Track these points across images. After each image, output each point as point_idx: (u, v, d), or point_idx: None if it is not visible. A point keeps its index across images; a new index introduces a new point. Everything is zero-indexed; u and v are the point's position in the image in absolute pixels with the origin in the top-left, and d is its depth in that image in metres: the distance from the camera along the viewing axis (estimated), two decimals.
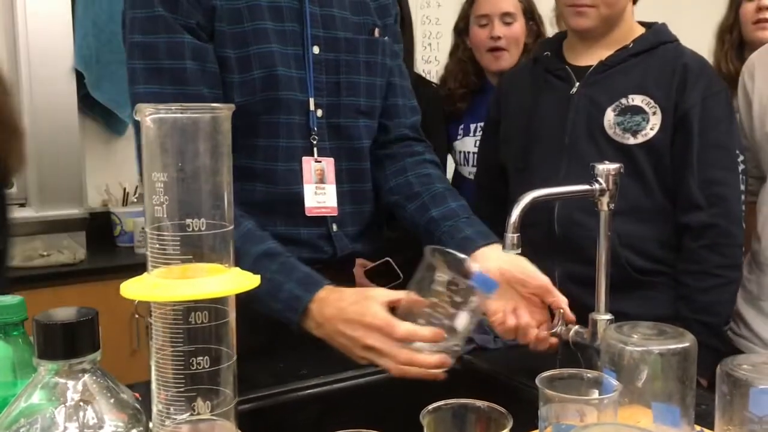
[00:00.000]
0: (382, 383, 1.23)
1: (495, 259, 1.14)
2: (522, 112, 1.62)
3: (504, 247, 1.01)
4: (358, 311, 1.01)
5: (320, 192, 1.25)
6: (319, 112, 1.25)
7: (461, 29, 2.18)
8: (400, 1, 1.91)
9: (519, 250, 1.00)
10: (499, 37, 2.05)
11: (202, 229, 0.52)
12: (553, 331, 1.14)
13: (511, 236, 1.00)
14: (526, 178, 1.55)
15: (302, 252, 1.24)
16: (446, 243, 1.20)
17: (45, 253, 2.20)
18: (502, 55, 2.06)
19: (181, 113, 0.52)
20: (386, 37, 1.33)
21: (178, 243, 0.52)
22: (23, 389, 0.59)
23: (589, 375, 0.83)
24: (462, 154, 2.19)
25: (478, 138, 2.02)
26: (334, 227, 1.28)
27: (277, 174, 1.22)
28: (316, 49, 1.22)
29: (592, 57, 1.56)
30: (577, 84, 1.54)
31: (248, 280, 0.54)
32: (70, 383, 0.59)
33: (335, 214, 1.27)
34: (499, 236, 1.68)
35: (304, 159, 1.24)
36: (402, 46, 1.41)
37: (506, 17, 2.06)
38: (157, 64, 1.12)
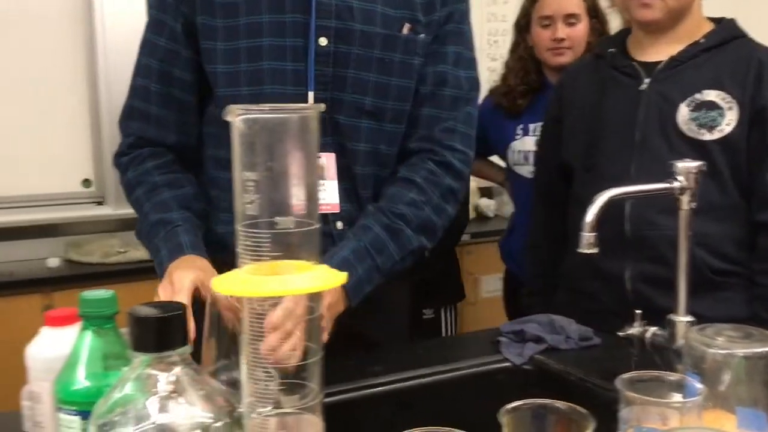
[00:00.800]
0: (453, 381, 1.23)
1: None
2: (586, 109, 1.59)
3: (579, 248, 0.99)
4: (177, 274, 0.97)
5: (321, 188, 1.18)
6: (322, 107, 1.17)
7: (522, 26, 2.16)
8: None
9: (596, 250, 0.99)
10: (562, 39, 2.04)
11: (291, 227, 0.53)
12: (630, 332, 1.12)
13: (588, 236, 0.98)
14: (594, 177, 1.52)
15: None
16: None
17: (122, 250, 2.27)
18: (564, 52, 2.05)
19: (271, 114, 0.53)
20: (422, 35, 1.20)
21: (269, 240, 0.53)
22: (118, 380, 0.62)
23: (671, 378, 0.81)
24: (522, 154, 2.17)
25: (537, 137, 2.00)
26: (339, 225, 1.20)
27: None
28: (323, 41, 1.14)
29: (659, 52, 1.52)
30: (647, 80, 1.51)
31: (336, 277, 0.55)
32: (162, 375, 0.61)
33: (337, 211, 1.20)
34: (559, 235, 1.69)
35: None
36: (462, 48, 1.26)
37: (570, 18, 2.03)
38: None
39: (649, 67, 1.52)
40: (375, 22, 1.17)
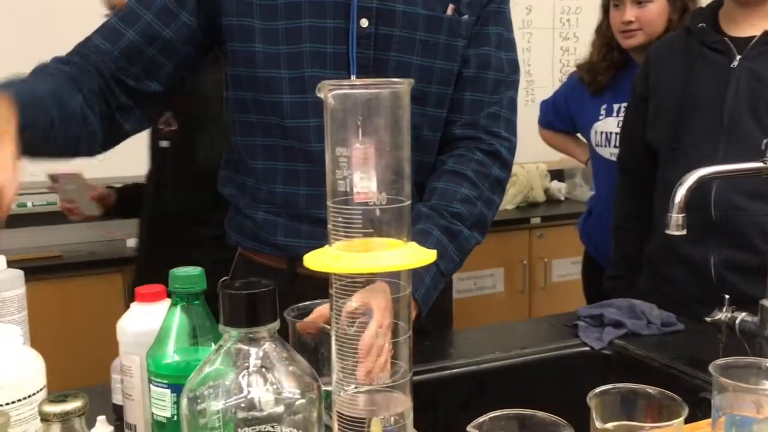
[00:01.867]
0: (530, 365, 1.21)
1: None
2: (674, 87, 1.53)
3: (667, 229, 0.96)
4: None
5: (364, 177, 1.17)
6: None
7: (606, 6, 2.13)
8: None
9: (684, 231, 0.95)
10: (630, 21, 1.98)
11: (384, 203, 0.53)
12: (718, 317, 1.08)
13: (676, 216, 0.95)
14: (680, 159, 1.46)
15: None
16: None
17: None
18: (634, 34, 2.00)
19: (363, 89, 0.53)
20: (465, 16, 1.17)
21: (360, 217, 0.53)
22: (209, 355, 0.63)
23: (766, 364, 0.78)
24: (604, 135, 2.13)
25: (621, 118, 1.95)
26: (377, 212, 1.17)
27: (313, 155, 1.14)
28: (364, 22, 1.11)
29: (753, 27, 1.45)
30: (739, 57, 1.44)
31: (426, 255, 0.55)
32: (252, 350, 0.61)
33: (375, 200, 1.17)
34: (643, 218, 1.64)
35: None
36: (503, 29, 1.23)
37: None
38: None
39: (742, 42, 1.45)
40: (417, 2, 1.14)
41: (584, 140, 2.41)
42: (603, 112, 2.13)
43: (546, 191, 3.29)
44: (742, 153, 1.02)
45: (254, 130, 1.19)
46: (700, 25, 1.53)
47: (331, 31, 1.11)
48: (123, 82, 1.12)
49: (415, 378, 1.13)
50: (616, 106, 2.10)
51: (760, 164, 0.99)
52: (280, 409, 0.62)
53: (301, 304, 0.90)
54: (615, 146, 2.02)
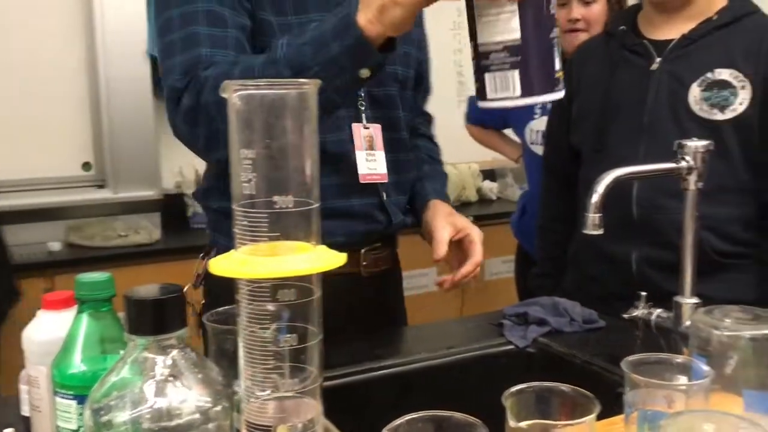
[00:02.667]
0: (455, 364, 1.22)
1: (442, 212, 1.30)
2: (596, 90, 1.57)
3: (584, 228, 0.98)
4: None
5: (371, 159, 1.23)
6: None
7: None
8: None
9: (601, 231, 0.97)
10: (577, 19, 1.99)
11: (290, 206, 0.52)
12: (634, 314, 1.11)
13: (593, 216, 0.97)
14: (603, 160, 1.50)
15: (357, 225, 1.23)
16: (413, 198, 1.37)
17: (123, 234, 2.26)
18: (579, 35, 2.01)
19: (269, 89, 0.51)
20: None
21: (266, 220, 0.51)
22: (114, 364, 0.61)
23: (677, 360, 0.80)
24: (539, 134, 2.14)
25: None
26: (385, 195, 1.27)
27: (326, 145, 1.18)
28: None
29: (671, 30, 1.49)
30: (658, 59, 1.48)
31: (335, 258, 0.54)
32: (159, 358, 0.60)
33: (386, 181, 1.26)
34: (568, 218, 1.67)
35: (354, 126, 1.21)
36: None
37: None
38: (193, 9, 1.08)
39: (661, 45, 1.49)
40: None
41: (514, 138, 2.44)
42: (538, 110, 2.14)
43: (478, 191, 3.33)
44: (662, 154, 1.05)
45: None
46: (621, 28, 1.56)
47: None
48: None
49: (342, 380, 1.14)
50: (550, 105, 2.12)
51: (673, 165, 1.02)
52: (191, 418, 0.60)
53: (220, 309, 0.88)
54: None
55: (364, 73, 0.97)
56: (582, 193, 1.55)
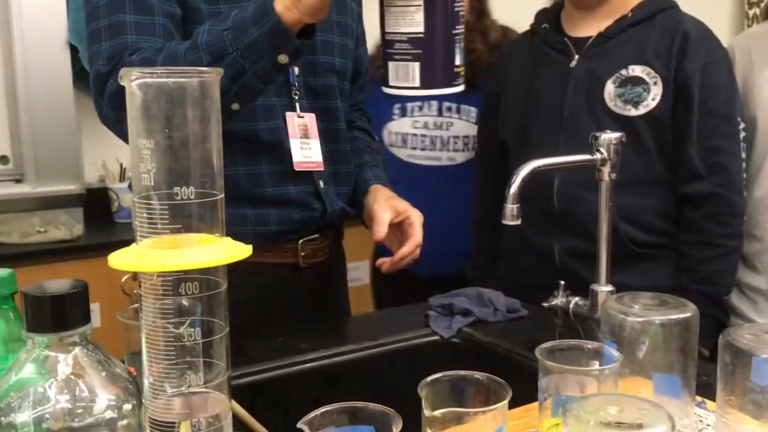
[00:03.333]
0: (381, 356, 1.22)
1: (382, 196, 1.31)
2: (520, 86, 1.59)
3: (503, 219, 0.99)
4: None
5: (305, 147, 1.24)
6: (296, 70, 1.24)
7: None
8: None
9: (519, 222, 0.99)
10: None
11: (192, 197, 0.51)
12: (554, 303, 1.13)
13: (511, 207, 0.99)
14: (526, 154, 1.51)
15: (293, 213, 1.25)
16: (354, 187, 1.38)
17: (42, 230, 2.18)
18: None
19: (167, 77, 0.50)
20: (353, 1, 1.36)
21: (167, 212, 0.50)
22: (13, 363, 0.58)
23: (589, 346, 0.82)
24: (399, 136, 1.98)
25: (415, 119, 1.92)
26: (321, 184, 1.28)
27: (259, 133, 1.21)
28: None
29: (590, 28, 1.53)
30: (577, 56, 1.52)
31: (240, 250, 0.53)
32: (61, 356, 0.58)
33: (321, 169, 1.27)
34: (498, 213, 1.68)
35: (288, 114, 1.23)
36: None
37: None
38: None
39: (580, 43, 1.52)
40: None
41: None
42: (397, 111, 1.98)
43: None
44: (579, 148, 1.08)
45: None
46: (543, 25, 1.59)
47: None
48: None
49: (266, 375, 1.13)
50: (410, 106, 1.95)
51: (588, 156, 1.04)
52: (97, 417, 0.58)
53: (135, 305, 0.86)
54: (413, 147, 1.94)
55: (283, 58, 0.99)
56: None
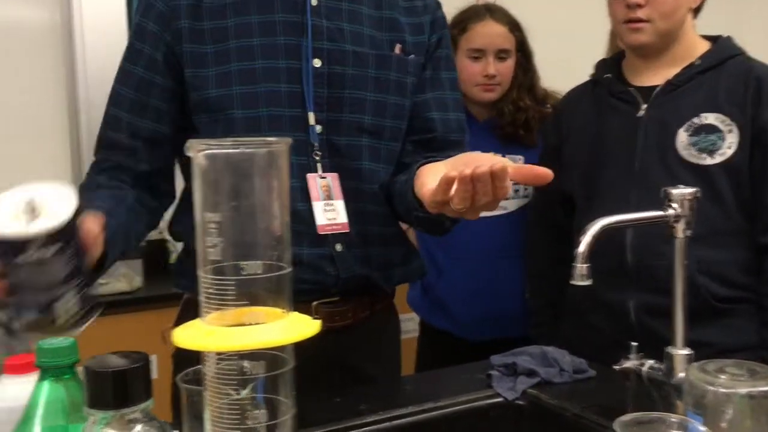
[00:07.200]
0: (443, 418, 1.18)
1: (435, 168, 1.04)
2: (585, 137, 1.56)
3: (573, 279, 0.95)
4: None
5: (329, 208, 1.18)
6: (319, 128, 1.18)
7: None
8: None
9: (590, 282, 0.94)
10: (494, 75, 1.86)
11: (258, 272, 0.49)
12: (626, 365, 1.08)
13: (580, 267, 0.94)
14: (594, 207, 1.48)
15: (304, 273, 1.16)
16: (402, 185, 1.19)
17: (103, 282, 2.21)
18: (494, 89, 1.88)
19: (235, 149, 0.49)
20: (412, 55, 1.24)
21: (233, 287, 0.48)
22: None
23: (672, 419, 0.76)
24: None
25: None
26: (338, 247, 1.20)
27: None
28: (317, 62, 1.16)
29: (655, 76, 1.50)
30: (644, 106, 1.48)
31: (309, 326, 0.50)
32: None
33: (347, 230, 1.19)
34: (560, 267, 1.61)
35: (309, 176, 1.17)
36: (454, 73, 1.32)
37: (501, 53, 1.87)
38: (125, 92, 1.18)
39: (647, 92, 1.49)
40: (365, 43, 1.20)
41: None
42: None
43: None
44: (653, 200, 1.04)
45: None
46: (606, 75, 1.57)
47: (285, 72, 1.15)
48: (148, 184, 1.20)
49: None
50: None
51: (660, 212, 1.00)
52: None
53: (195, 368, 0.84)
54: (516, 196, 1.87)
55: None
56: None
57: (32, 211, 0.71)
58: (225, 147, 0.49)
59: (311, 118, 1.16)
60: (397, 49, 1.23)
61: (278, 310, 0.51)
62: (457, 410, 1.19)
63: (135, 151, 1.17)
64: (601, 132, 1.53)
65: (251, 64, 1.14)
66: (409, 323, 2.72)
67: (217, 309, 0.49)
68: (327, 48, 1.16)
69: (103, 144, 1.21)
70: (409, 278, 1.37)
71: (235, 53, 1.14)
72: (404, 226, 1.44)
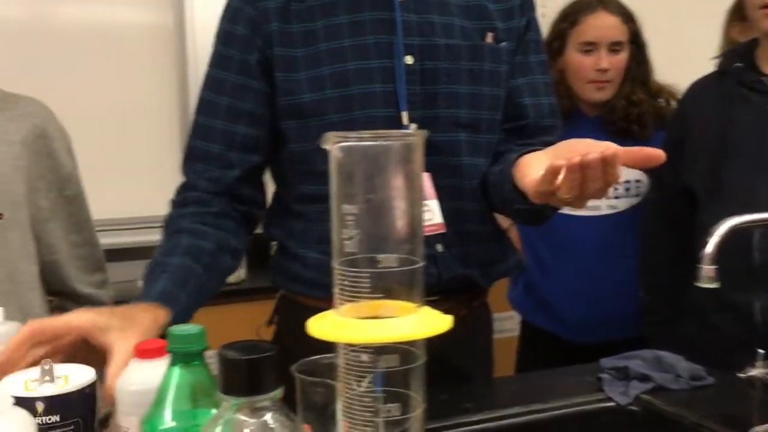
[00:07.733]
0: (551, 421, 1.15)
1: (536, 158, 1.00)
2: (711, 129, 1.49)
3: (699, 281, 0.91)
4: None
5: (425, 209, 1.15)
6: (413, 127, 1.15)
7: (556, 50, 1.85)
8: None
9: (717, 284, 0.90)
10: (606, 69, 1.79)
11: (394, 265, 0.48)
12: (752, 373, 1.02)
13: (707, 269, 0.90)
14: (719, 202, 1.42)
15: None
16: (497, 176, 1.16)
17: None
18: (606, 86, 1.80)
19: (372, 141, 0.49)
20: (504, 42, 1.20)
21: (368, 279, 0.48)
22: (206, 425, 0.58)
23: None
24: None
25: None
26: (439, 248, 1.18)
27: None
28: (409, 59, 1.13)
29: None
30: None
31: (441, 322, 0.50)
32: (251, 420, 0.57)
33: (443, 231, 1.16)
34: (678, 261, 1.55)
35: None
36: (543, 56, 1.28)
37: (615, 46, 1.79)
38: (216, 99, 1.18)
39: None
40: (456, 35, 1.17)
41: None
42: None
43: None
44: None
45: (304, 178, 1.19)
46: (736, 65, 1.49)
47: (378, 71, 1.13)
48: (240, 192, 1.20)
49: None
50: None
51: None
52: None
53: (310, 359, 0.85)
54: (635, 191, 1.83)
55: None
56: (699, 238, 1.47)
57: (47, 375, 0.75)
58: (361, 139, 0.49)
59: (404, 117, 1.14)
60: (489, 37, 1.19)
61: (411, 305, 0.50)
62: (566, 413, 1.16)
63: (228, 160, 1.17)
64: (728, 124, 1.46)
65: (343, 66, 1.12)
66: (508, 322, 2.68)
67: (351, 301, 0.50)
68: (418, 44, 1.14)
69: (194, 155, 1.20)
70: (507, 274, 1.34)
71: (327, 56, 1.12)
72: (505, 223, 1.44)
